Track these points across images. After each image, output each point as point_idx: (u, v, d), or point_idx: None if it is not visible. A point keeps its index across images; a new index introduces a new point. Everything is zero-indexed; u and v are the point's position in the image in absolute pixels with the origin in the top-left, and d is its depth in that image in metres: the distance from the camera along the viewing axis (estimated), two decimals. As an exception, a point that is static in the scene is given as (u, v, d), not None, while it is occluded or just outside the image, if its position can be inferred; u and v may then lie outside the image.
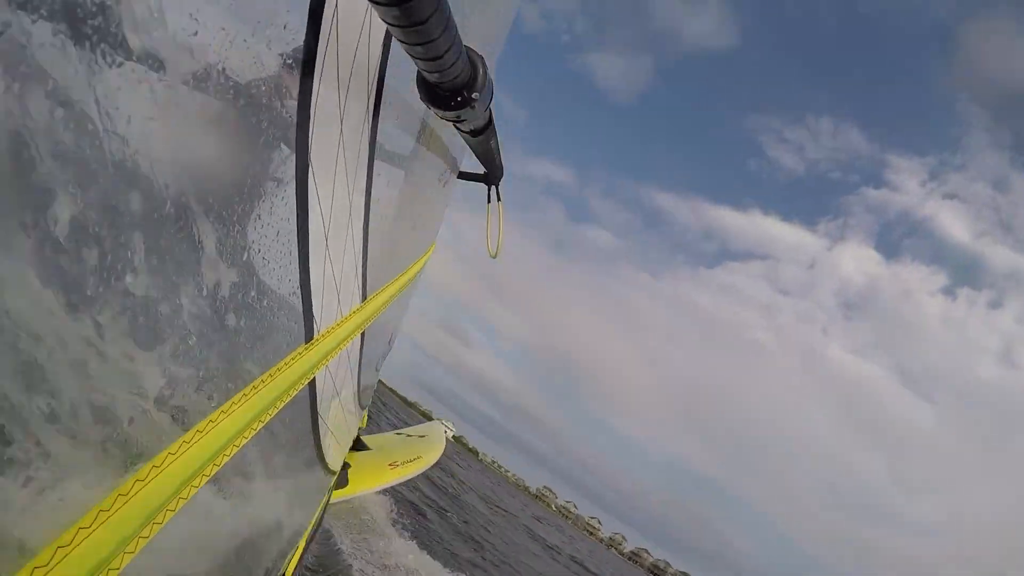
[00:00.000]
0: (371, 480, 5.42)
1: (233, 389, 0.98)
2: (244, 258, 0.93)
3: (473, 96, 1.20)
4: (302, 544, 2.01)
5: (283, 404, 1.18)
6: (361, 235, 1.53)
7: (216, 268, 0.85)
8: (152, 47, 0.61)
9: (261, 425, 1.07)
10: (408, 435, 6.78)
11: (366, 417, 4.93)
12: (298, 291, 1.18)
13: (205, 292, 0.84)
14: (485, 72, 1.21)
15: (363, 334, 1.91)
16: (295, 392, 1.25)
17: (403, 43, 0.90)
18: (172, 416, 0.83)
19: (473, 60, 1.18)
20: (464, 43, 1.05)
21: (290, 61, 0.91)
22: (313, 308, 1.27)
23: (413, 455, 6.07)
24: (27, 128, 0.50)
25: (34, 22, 0.48)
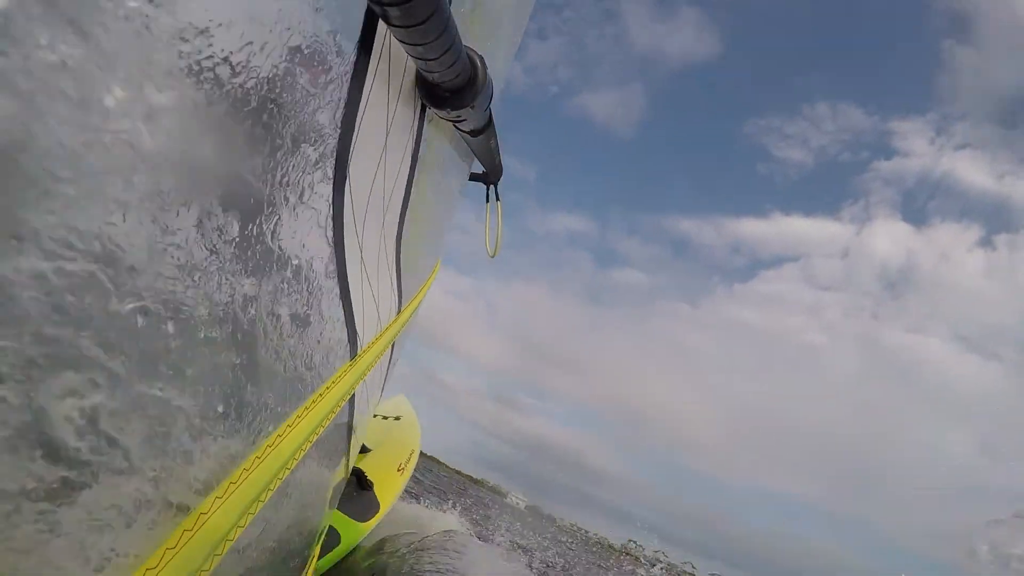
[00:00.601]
0: (391, 493, 5.23)
1: (287, 412, 0.99)
2: (287, 270, 0.91)
3: (473, 96, 1.22)
4: (316, 551, 2.05)
5: (329, 422, 1.21)
6: (395, 243, 1.55)
7: (263, 282, 0.84)
8: (194, 51, 0.59)
9: (310, 445, 1.11)
10: (384, 417, 6.36)
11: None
12: (340, 306, 1.18)
13: (252, 309, 0.82)
14: (485, 72, 1.23)
15: (393, 344, 1.93)
16: (339, 408, 1.28)
17: (403, 43, 0.91)
18: (230, 448, 0.84)
19: (473, 60, 1.19)
20: (471, 43, 1.06)
21: (340, 69, 0.89)
22: (356, 323, 1.29)
23: (407, 449, 5.87)
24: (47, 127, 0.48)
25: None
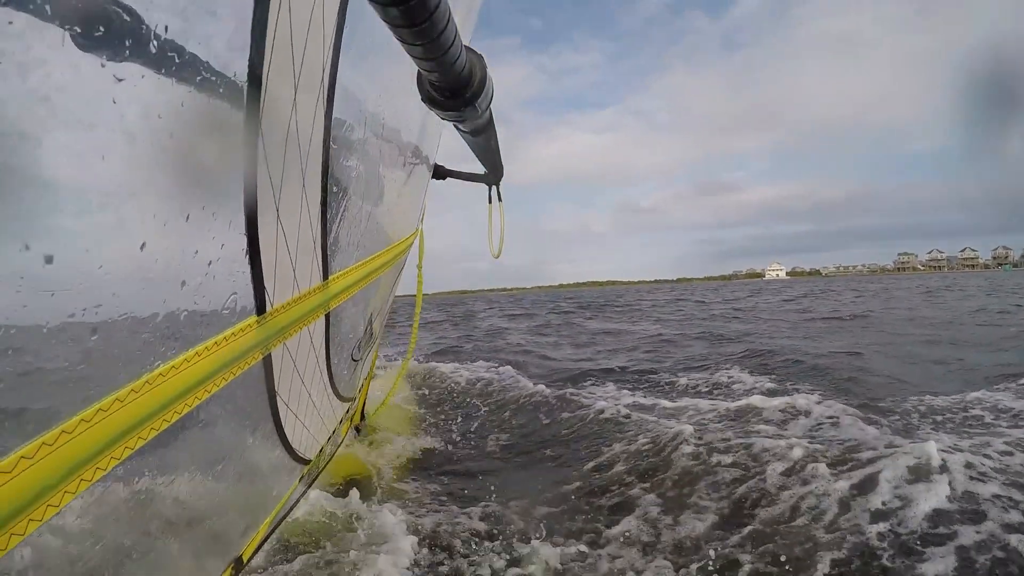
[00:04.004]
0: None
1: (176, 352, 0.98)
2: (187, 219, 0.94)
3: (473, 96, 1.22)
4: (263, 528, 1.98)
5: (232, 376, 1.18)
6: (319, 211, 1.52)
7: (155, 230, 0.86)
8: (108, 44, 0.66)
9: (207, 394, 1.08)
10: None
11: (359, 413, 4.85)
12: (245, 258, 1.17)
13: (143, 251, 0.85)
14: (485, 72, 1.23)
15: (328, 316, 1.90)
16: (246, 366, 1.25)
17: (403, 43, 0.91)
18: (107, 374, 0.82)
19: (473, 60, 1.19)
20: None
21: (241, 40, 0.95)
22: (264, 279, 1.26)
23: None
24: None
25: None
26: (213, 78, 0.91)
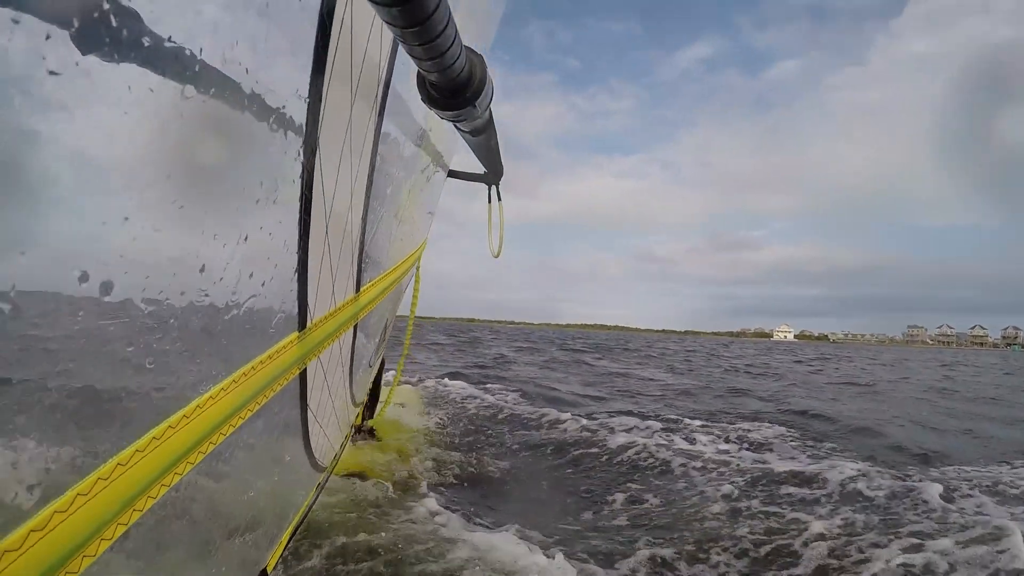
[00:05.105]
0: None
1: (223, 375, 0.97)
2: (244, 241, 0.93)
3: (474, 96, 1.21)
4: (285, 538, 1.98)
5: (273, 394, 1.18)
6: (360, 225, 1.54)
7: (214, 249, 0.86)
8: (164, 48, 0.65)
9: (250, 414, 1.08)
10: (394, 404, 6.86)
11: (362, 414, 4.96)
12: (295, 277, 1.17)
13: (201, 272, 0.84)
14: (485, 72, 1.22)
15: (356, 327, 1.90)
16: (285, 382, 1.25)
17: (403, 43, 0.92)
18: (158, 401, 0.81)
19: (473, 60, 1.18)
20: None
21: (302, 61, 0.97)
22: (308, 295, 1.26)
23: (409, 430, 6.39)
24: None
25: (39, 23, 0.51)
26: (275, 92, 0.90)
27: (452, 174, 3.99)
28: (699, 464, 5.45)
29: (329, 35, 1.02)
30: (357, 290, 1.72)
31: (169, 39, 0.65)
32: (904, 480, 4.88)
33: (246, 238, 0.94)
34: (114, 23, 0.58)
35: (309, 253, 1.20)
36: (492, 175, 3.99)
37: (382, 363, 4.99)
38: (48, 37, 0.52)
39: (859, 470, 5.07)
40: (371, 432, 5.37)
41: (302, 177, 1.08)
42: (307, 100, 1.01)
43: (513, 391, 10.28)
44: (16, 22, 0.49)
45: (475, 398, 9.14)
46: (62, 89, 0.55)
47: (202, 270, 0.84)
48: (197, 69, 0.71)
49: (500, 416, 7.82)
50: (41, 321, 0.61)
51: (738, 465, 5.41)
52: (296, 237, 1.13)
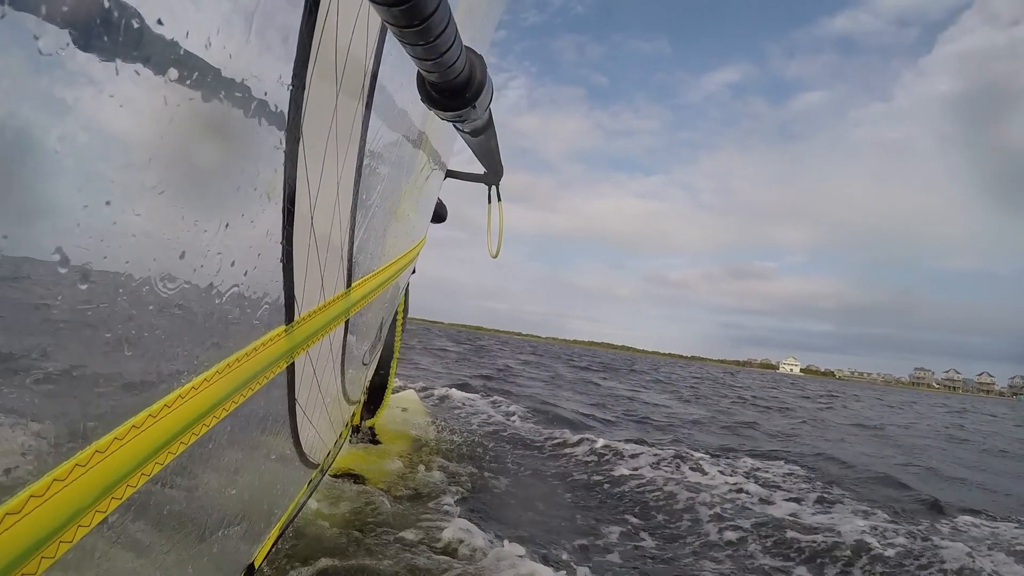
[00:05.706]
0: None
1: (206, 365, 0.95)
2: (225, 228, 0.92)
3: (474, 96, 1.20)
4: (274, 534, 1.95)
5: (259, 387, 1.16)
6: (349, 218, 1.52)
7: (195, 235, 0.84)
8: (145, 41, 0.64)
9: (235, 406, 1.07)
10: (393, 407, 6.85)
11: (359, 413, 4.91)
12: (279, 268, 1.15)
13: (182, 258, 0.82)
14: (485, 72, 1.22)
15: (347, 323, 1.86)
16: (272, 376, 1.23)
17: (403, 43, 0.91)
18: (139, 389, 0.79)
19: (473, 60, 1.18)
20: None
21: (286, 49, 0.96)
22: (295, 288, 1.25)
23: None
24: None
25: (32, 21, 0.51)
26: (258, 80, 0.89)
27: (451, 174, 4.00)
28: (707, 498, 5.33)
29: (315, 24, 1.01)
30: (348, 285, 1.70)
31: (153, 24, 0.65)
32: (924, 540, 4.69)
33: (227, 225, 0.92)
34: (95, 9, 0.57)
35: (294, 244, 1.18)
36: (492, 175, 3.97)
37: (381, 363, 4.95)
38: (28, 23, 0.51)
39: (873, 525, 4.91)
40: (371, 433, 5.29)
41: (285, 166, 1.06)
42: (290, 88, 1.00)
43: (520, 405, 10.23)
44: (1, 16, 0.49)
45: (481, 413, 9.07)
46: (40, 73, 0.54)
47: (182, 256, 0.82)
48: (181, 54, 0.70)
49: (504, 433, 7.74)
50: (19, 305, 0.60)
51: (744, 504, 5.28)
52: (280, 226, 1.10)
